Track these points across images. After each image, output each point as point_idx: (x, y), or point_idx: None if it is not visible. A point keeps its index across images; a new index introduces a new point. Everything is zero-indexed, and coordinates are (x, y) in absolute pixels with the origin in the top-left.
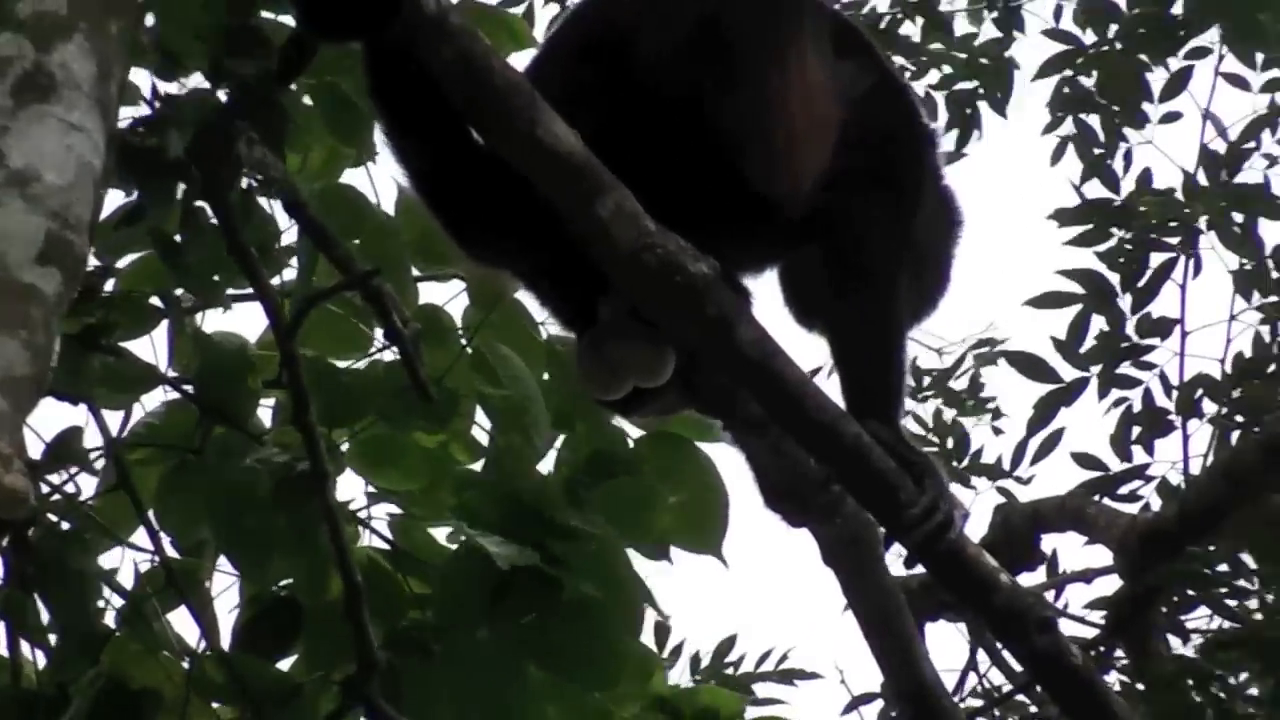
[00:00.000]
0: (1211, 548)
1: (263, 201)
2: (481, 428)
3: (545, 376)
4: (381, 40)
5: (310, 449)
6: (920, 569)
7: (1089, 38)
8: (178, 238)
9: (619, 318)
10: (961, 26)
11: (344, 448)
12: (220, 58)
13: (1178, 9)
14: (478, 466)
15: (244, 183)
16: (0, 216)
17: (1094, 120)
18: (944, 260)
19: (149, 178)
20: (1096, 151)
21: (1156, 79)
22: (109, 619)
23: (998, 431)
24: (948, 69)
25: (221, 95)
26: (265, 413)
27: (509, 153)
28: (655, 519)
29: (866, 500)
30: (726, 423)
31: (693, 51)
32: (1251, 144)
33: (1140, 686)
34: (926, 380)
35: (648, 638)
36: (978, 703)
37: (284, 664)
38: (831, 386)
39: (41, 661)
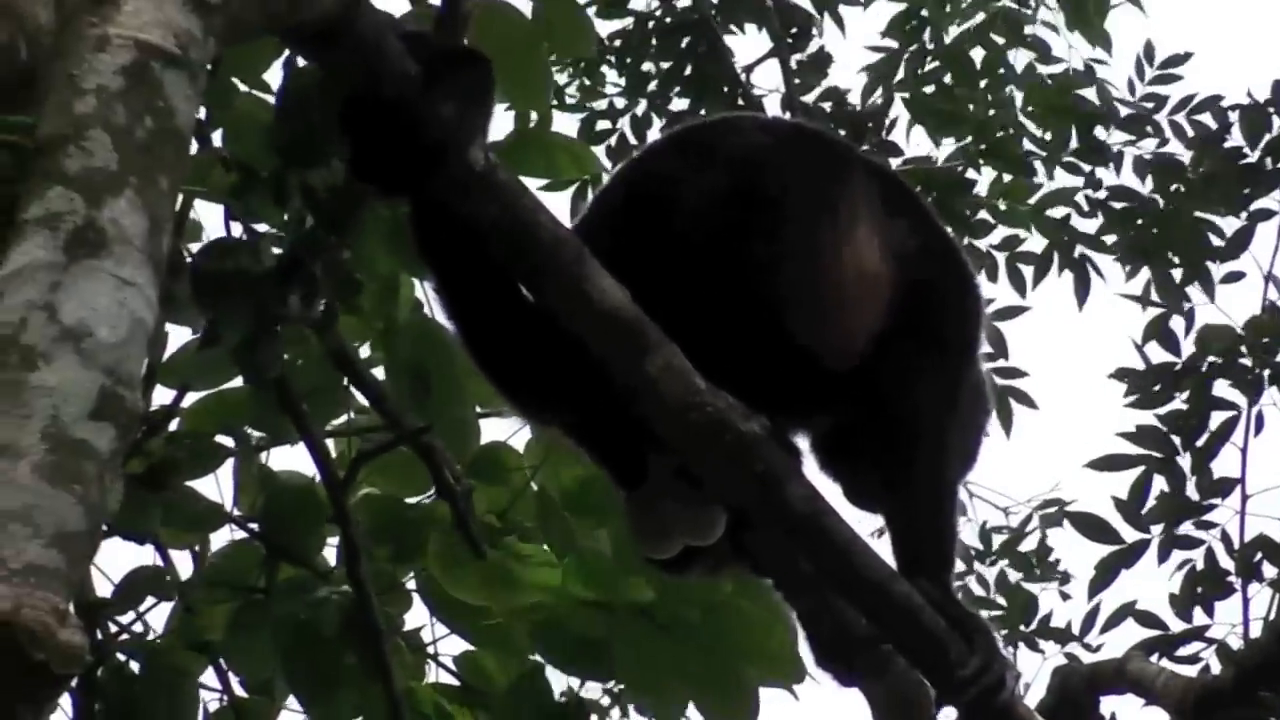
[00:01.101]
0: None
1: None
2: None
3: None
4: (427, 195)
5: (362, 602)
6: None
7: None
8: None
9: (668, 475)
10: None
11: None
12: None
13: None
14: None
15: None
16: (54, 373)
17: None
18: (974, 439)
19: (224, 298)
20: (1157, 312)
21: (1218, 239)
22: None
23: (1065, 596)
24: (1008, 230)
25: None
26: (331, 551)
27: (556, 308)
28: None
29: (916, 659)
30: (777, 581)
31: (741, 204)
32: None
33: None
34: (996, 540)
35: None
36: None
37: None
38: (882, 547)
39: None
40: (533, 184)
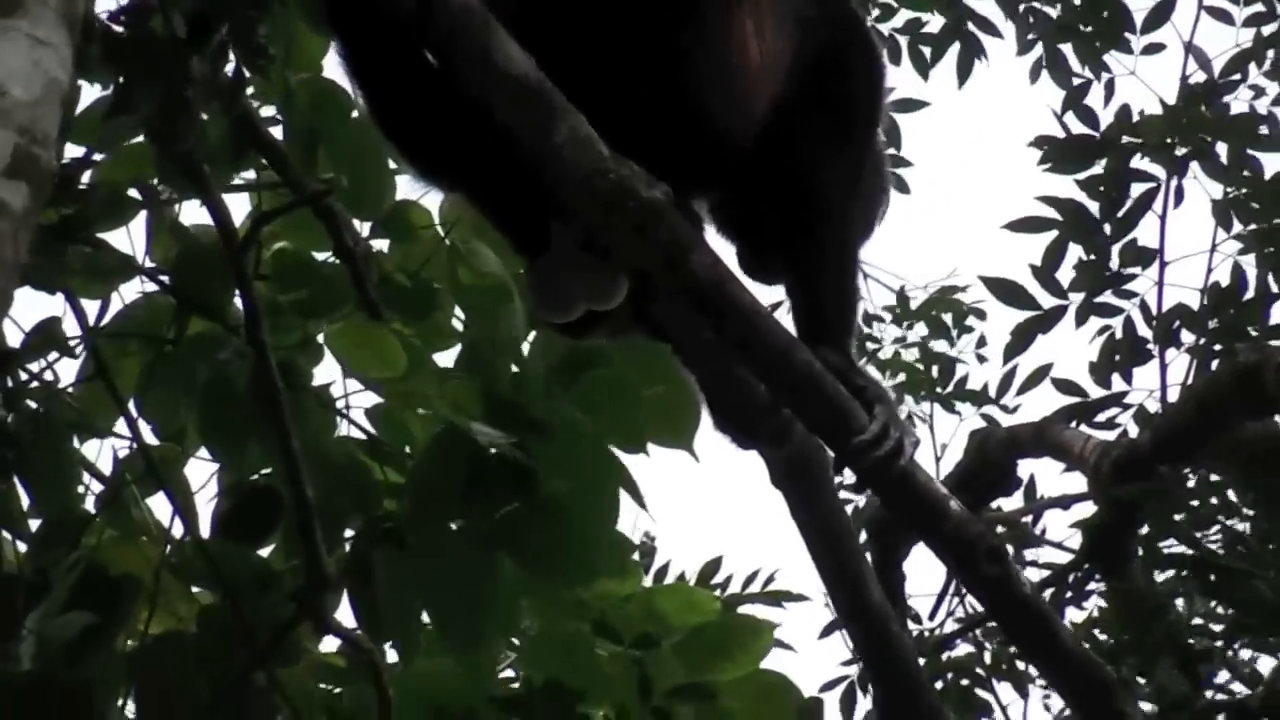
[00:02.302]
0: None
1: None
2: (460, 320)
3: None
4: None
5: (262, 368)
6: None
7: None
8: None
9: (571, 242)
10: None
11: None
12: None
13: None
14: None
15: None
16: None
17: (1067, 49)
18: (874, 210)
19: (137, 65)
20: (1076, 83)
21: (1138, 9)
22: (89, 505)
23: (982, 359)
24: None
25: None
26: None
27: (463, 77)
28: (632, 412)
29: (816, 425)
30: (677, 348)
31: None
32: (1236, 76)
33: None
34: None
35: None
36: (955, 626)
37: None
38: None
39: (22, 548)
40: None
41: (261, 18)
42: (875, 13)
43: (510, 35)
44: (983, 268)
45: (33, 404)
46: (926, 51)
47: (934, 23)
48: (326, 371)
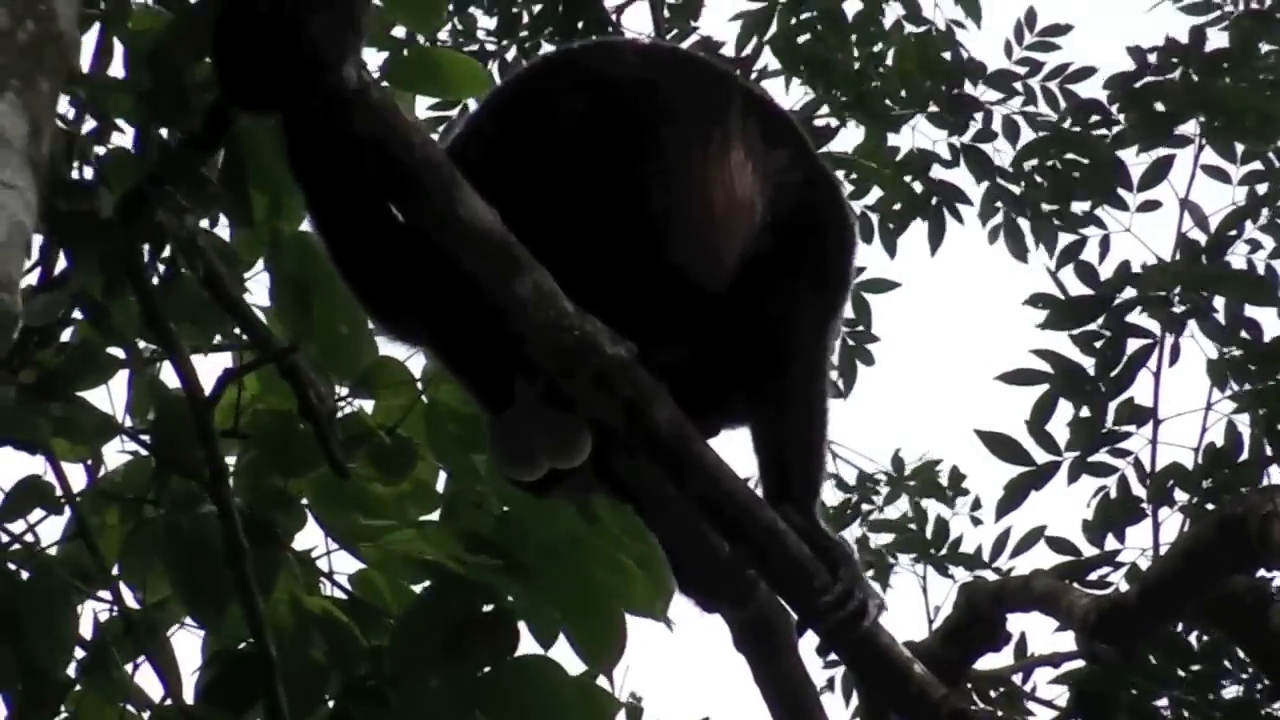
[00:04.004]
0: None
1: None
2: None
3: None
4: (300, 112)
5: (227, 525)
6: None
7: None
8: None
9: (534, 398)
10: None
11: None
12: (146, 120)
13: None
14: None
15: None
16: None
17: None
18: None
19: (78, 241)
20: (1068, 239)
21: (1136, 166)
22: (72, 670)
23: (976, 522)
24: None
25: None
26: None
27: (427, 229)
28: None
29: (780, 586)
30: (638, 505)
31: (613, 126)
32: (1233, 232)
33: None
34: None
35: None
36: None
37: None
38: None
39: (3, 711)
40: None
41: (199, 203)
42: (850, 189)
43: (474, 188)
44: (958, 434)
45: (12, 565)
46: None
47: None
48: (311, 534)
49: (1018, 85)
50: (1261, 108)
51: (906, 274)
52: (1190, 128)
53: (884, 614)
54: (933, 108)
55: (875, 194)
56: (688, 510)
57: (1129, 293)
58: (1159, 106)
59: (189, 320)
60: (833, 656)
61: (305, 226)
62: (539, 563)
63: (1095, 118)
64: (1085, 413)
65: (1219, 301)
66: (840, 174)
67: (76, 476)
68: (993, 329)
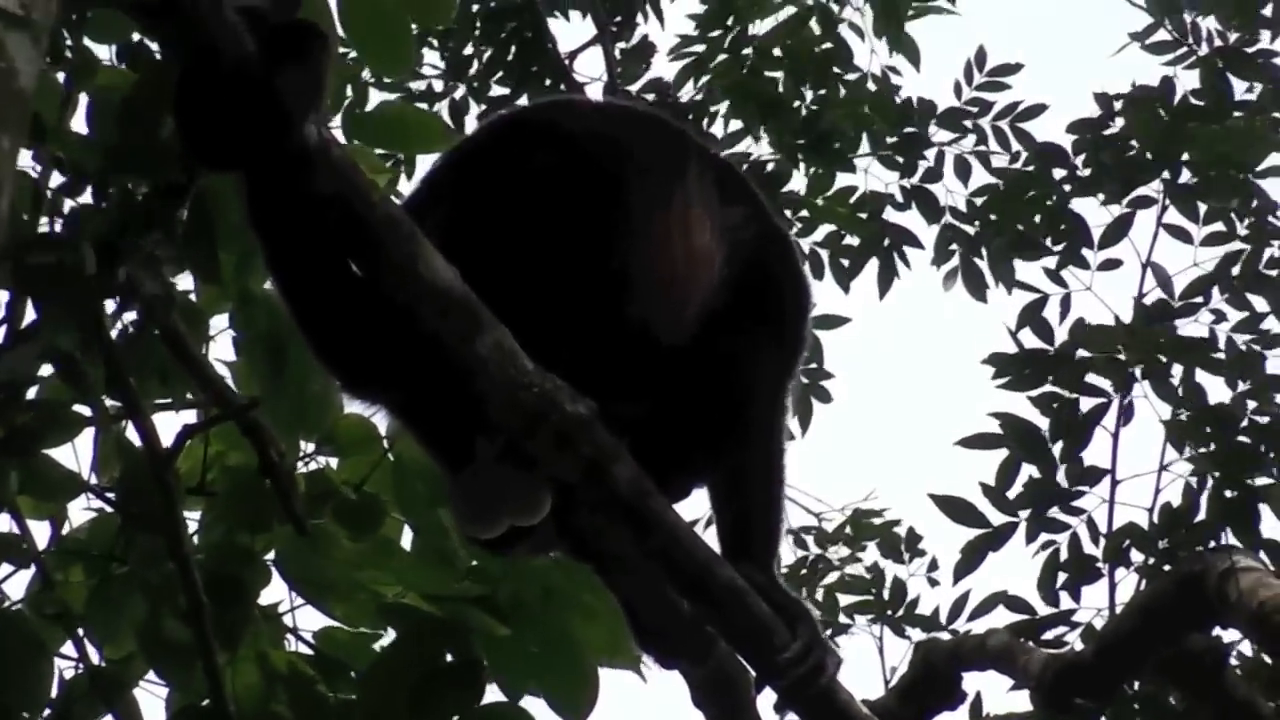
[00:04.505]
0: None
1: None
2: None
3: None
4: (260, 169)
5: (187, 582)
6: (792, 716)
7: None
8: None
9: (494, 456)
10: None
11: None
12: (106, 175)
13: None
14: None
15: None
16: None
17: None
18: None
19: (49, 295)
20: (1031, 297)
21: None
22: None
23: (933, 583)
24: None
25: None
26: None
27: (388, 287)
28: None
29: (739, 643)
30: (597, 564)
31: (573, 185)
32: (1199, 299)
33: None
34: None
35: None
36: None
37: None
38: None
39: None
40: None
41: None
42: (798, 226)
43: (434, 246)
44: (908, 482)
45: None
46: (847, 263)
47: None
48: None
49: (969, 124)
50: (1231, 155)
51: (858, 312)
52: (1154, 186)
53: (841, 671)
54: (883, 151)
55: (825, 229)
56: (648, 567)
57: (1084, 352)
58: (1130, 149)
59: (153, 377)
60: (791, 715)
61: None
62: (510, 613)
63: (1058, 169)
64: (1035, 473)
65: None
66: (790, 214)
67: (40, 533)
68: (948, 367)
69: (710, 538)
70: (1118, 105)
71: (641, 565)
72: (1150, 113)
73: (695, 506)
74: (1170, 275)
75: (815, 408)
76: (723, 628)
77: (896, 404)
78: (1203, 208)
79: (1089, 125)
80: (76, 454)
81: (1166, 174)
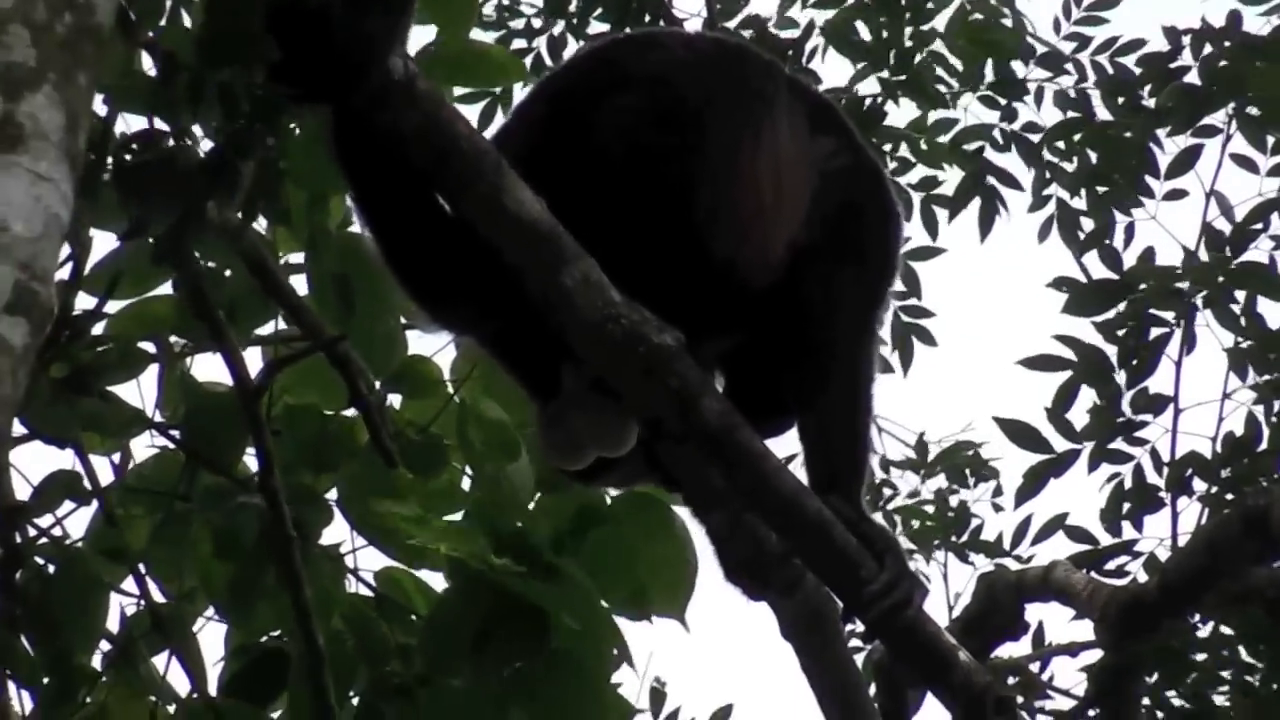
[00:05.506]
0: (1195, 619)
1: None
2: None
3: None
4: (347, 104)
5: (275, 514)
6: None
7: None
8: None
9: (582, 387)
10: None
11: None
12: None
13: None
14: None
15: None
16: None
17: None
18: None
19: (150, 192)
20: (1090, 226)
21: (1163, 155)
22: (97, 662)
23: (998, 508)
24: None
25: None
26: (253, 460)
27: (474, 220)
28: (634, 576)
29: (826, 575)
30: (687, 495)
31: (661, 119)
32: (1259, 225)
33: None
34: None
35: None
36: None
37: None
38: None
39: (29, 704)
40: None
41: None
42: (893, 165)
43: (522, 178)
44: (998, 414)
45: (40, 560)
46: (942, 215)
47: (951, 176)
48: (338, 530)
49: (1068, 66)
50: None
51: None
52: (1220, 116)
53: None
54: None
55: (919, 172)
56: (735, 499)
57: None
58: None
59: (235, 310)
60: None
61: (345, 225)
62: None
63: (1121, 99)
64: (1098, 400)
65: (1238, 293)
66: (889, 149)
67: (104, 469)
68: (1024, 312)
69: (799, 473)
70: (1185, 40)
71: (729, 498)
72: (1218, 47)
73: (786, 444)
74: (1233, 205)
75: (916, 347)
76: (810, 560)
77: (979, 342)
78: (1270, 139)
79: (1158, 59)
80: (141, 391)
81: (1233, 105)
